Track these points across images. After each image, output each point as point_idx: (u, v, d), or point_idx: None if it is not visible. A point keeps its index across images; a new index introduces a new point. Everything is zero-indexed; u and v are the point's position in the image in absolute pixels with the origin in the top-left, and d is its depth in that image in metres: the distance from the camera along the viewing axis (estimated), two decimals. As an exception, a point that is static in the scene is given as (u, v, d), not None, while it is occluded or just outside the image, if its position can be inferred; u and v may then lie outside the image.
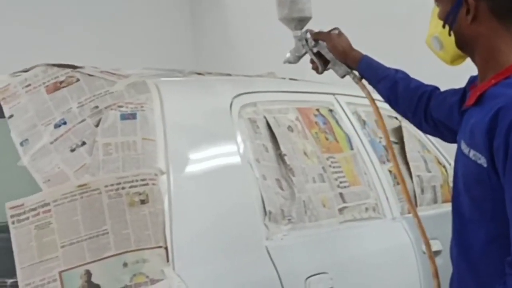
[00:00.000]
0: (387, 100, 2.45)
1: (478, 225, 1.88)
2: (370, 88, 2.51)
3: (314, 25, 2.58)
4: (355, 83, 2.53)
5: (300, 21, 2.57)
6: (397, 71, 2.44)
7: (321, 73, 2.57)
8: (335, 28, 2.55)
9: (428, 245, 2.33)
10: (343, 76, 2.53)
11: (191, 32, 6.50)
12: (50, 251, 1.97)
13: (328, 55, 2.52)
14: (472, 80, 2.14)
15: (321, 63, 2.55)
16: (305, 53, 2.58)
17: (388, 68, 2.45)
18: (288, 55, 2.62)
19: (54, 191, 2.04)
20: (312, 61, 2.58)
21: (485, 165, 1.80)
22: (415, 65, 3.02)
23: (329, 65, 2.54)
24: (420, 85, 2.39)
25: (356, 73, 2.50)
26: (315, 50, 2.55)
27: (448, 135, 2.31)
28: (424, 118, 2.34)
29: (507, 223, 1.78)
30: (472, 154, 1.84)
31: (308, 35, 2.56)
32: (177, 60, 5.75)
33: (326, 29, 2.56)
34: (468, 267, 1.93)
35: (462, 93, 2.18)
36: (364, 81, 2.51)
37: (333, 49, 2.50)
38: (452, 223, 2.01)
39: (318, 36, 2.55)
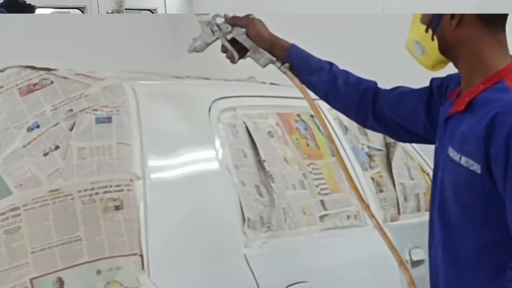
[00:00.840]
0: (323, 94, 2.32)
1: (467, 232, 1.86)
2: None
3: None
4: (282, 73, 2.29)
5: None
6: (330, 63, 2.31)
7: (236, 62, 2.34)
8: (250, 14, 2.32)
9: (395, 251, 2.30)
10: (265, 65, 2.30)
11: (172, 33, 6.47)
12: (20, 256, 1.92)
13: (247, 43, 2.28)
14: (440, 83, 2.11)
15: (235, 51, 2.32)
16: (216, 39, 2.32)
17: (320, 59, 2.31)
18: (197, 43, 2.33)
19: (24, 195, 2.00)
20: (224, 49, 2.33)
21: (478, 171, 1.77)
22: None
23: (249, 53, 2.29)
24: (359, 79, 2.29)
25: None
26: (229, 36, 2.30)
27: (404, 135, 2.26)
28: (372, 115, 2.26)
29: (504, 229, 1.75)
30: (464, 161, 1.81)
31: (219, 20, 2.31)
32: (157, 62, 5.72)
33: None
34: (456, 274, 1.90)
35: (428, 96, 2.14)
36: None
37: (258, 36, 2.27)
38: (434, 232, 1.98)
39: (236, 21, 2.30)
